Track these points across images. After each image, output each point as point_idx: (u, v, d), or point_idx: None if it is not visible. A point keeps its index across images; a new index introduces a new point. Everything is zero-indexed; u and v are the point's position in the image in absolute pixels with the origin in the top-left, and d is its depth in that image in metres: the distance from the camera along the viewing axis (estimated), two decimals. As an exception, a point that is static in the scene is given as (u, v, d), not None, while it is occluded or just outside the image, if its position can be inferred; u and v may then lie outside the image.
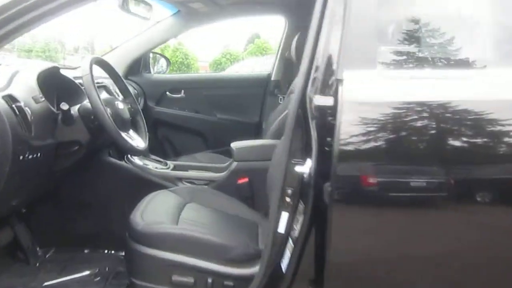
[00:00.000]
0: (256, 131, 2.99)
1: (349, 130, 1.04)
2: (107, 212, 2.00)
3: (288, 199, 1.20)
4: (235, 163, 2.05)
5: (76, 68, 2.19)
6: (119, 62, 2.73)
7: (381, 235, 1.10)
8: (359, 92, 1.09)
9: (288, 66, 2.90)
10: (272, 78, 2.98)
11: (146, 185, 2.00)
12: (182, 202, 1.70)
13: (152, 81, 3.00)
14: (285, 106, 2.55)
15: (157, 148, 2.96)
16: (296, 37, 2.35)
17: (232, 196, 1.91)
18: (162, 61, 3.26)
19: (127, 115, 1.71)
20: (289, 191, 1.21)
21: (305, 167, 1.13)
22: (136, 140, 1.72)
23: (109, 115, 1.52)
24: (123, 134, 1.61)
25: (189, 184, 2.08)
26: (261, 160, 2.01)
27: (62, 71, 1.76)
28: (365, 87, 1.10)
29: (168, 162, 2.23)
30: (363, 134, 1.04)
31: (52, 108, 1.53)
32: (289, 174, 1.19)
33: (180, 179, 2.08)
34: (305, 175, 1.13)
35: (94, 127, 1.58)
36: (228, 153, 2.77)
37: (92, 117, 1.56)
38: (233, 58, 14.79)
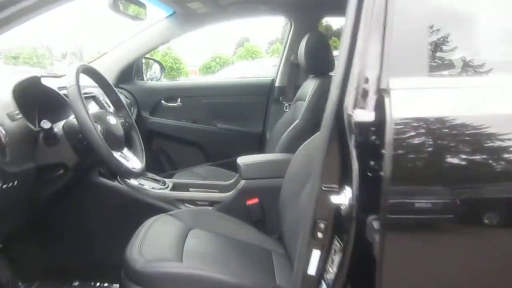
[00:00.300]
0: (259, 142, 2.77)
1: (403, 150, 0.84)
2: (98, 240, 1.76)
3: (320, 235, 1.00)
4: (243, 182, 1.83)
5: (61, 77, 1.95)
6: (109, 69, 2.52)
7: (448, 278, 0.89)
8: (410, 104, 0.88)
9: (294, 70, 2.70)
10: (276, 84, 2.76)
11: (142, 208, 1.78)
12: (185, 228, 1.51)
13: (145, 89, 2.76)
14: (292, 114, 2.34)
15: (152, 162, 2.73)
16: (306, 39, 2.14)
17: (240, 219, 1.71)
18: (156, 67, 3.02)
19: (120, 131, 1.47)
20: (322, 225, 1.00)
21: (343, 196, 0.93)
22: (132, 160, 1.48)
23: (99, 132, 1.29)
24: (117, 155, 1.38)
25: (191, 206, 1.85)
26: (272, 177, 1.80)
27: (44, 81, 1.51)
28: (417, 97, 0.90)
29: (167, 180, 2.00)
30: (422, 154, 0.85)
31: (31, 126, 1.29)
32: (321, 204, 0.98)
33: (181, 200, 1.85)
34: (342, 206, 0.92)
35: (82, 147, 1.34)
36: (229, 166, 2.58)
37: (79, 135, 1.32)
38: (223, 62, 14.73)
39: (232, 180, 2.00)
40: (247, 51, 16.13)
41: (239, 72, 8.02)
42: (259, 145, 2.76)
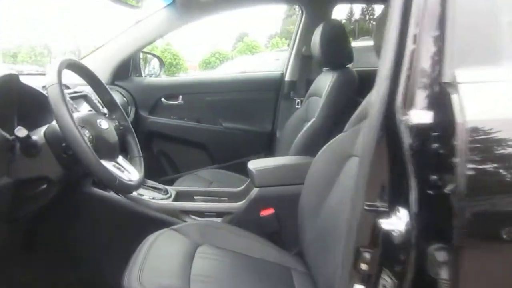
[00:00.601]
0: (269, 142, 2.56)
1: (481, 157, 0.65)
2: (93, 260, 1.55)
3: (364, 267, 0.81)
4: (255, 190, 1.61)
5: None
6: (103, 65, 2.32)
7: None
8: (485, 101, 0.69)
9: (306, 63, 2.48)
10: (286, 79, 2.54)
11: (142, 222, 1.58)
12: (192, 246, 1.31)
13: (144, 86, 2.54)
14: (306, 111, 2.12)
15: (152, 166, 2.52)
16: (321, 28, 1.92)
17: (253, 232, 1.50)
18: (155, 62, 2.80)
19: (113, 137, 1.25)
20: (367, 255, 0.80)
21: (395, 219, 0.73)
22: (128, 171, 1.26)
23: (86, 140, 1.06)
24: (109, 165, 1.16)
25: (198, 218, 1.64)
26: (289, 184, 1.60)
27: (25, 80, 1.30)
28: (492, 92, 0.70)
29: (169, 189, 1.78)
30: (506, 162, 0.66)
31: (5, 134, 1.06)
32: (365, 228, 0.78)
33: (186, 212, 1.64)
34: (395, 232, 0.71)
35: (67, 157, 1.12)
36: (237, 168, 2.38)
37: (63, 144, 1.10)
38: (222, 57, 14.67)
39: (243, 187, 1.79)
40: (247, 46, 16.19)
41: (239, 67, 7.77)
42: (269, 145, 2.55)
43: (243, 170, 2.02)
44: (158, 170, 2.56)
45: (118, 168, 1.21)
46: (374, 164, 0.77)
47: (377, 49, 1.22)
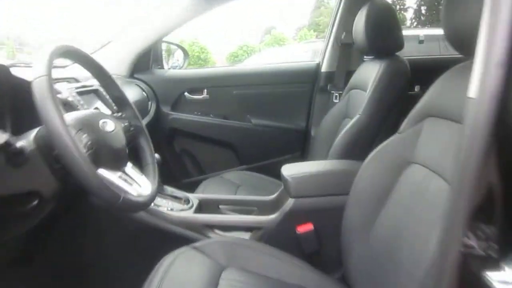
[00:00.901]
0: (302, 141, 2.30)
1: None
2: (100, 283, 1.34)
3: None
4: (291, 201, 1.36)
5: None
6: (121, 56, 2.12)
7: None
8: None
9: (345, 52, 2.20)
10: (323, 70, 2.27)
11: (158, 238, 1.36)
12: (216, 269, 1.11)
13: (166, 79, 2.31)
14: (346, 107, 1.86)
15: (174, 166, 2.31)
16: (365, 11, 1.65)
17: (288, 252, 1.26)
18: (179, 53, 2.57)
19: (120, 141, 1.02)
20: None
21: (509, 274, 0.50)
22: (138, 183, 1.03)
23: (80, 147, 0.82)
24: (113, 177, 0.93)
25: (223, 234, 1.41)
26: (332, 194, 1.35)
27: (17, 72, 1.08)
28: None
29: (190, 197, 1.55)
30: None
31: None
32: (461, 279, 0.56)
33: (209, 226, 1.40)
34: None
35: (61, 167, 0.90)
36: (267, 169, 2.14)
37: (55, 151, 0.88)
38: (250, 50, 14.60)
39: (275, 195, 1.55)
40: (274, 39, 16.16)
41: (267, 59, 7.53)
42: (303, 145, 2.29)
43: (274, 172, 1.82)
44: (180, 171, 2.35)
45: (125, 180, 0.98)
46: (479, 189, 0.53)
47: (450, 34, 0.97)
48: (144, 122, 2.07)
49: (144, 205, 0.99)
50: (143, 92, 2.14)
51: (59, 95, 1.30)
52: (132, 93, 2.03)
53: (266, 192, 1.76)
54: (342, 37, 2.18)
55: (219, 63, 14.65)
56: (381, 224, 1.10)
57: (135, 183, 1.02)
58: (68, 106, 1.28)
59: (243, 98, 2.33)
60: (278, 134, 2.31)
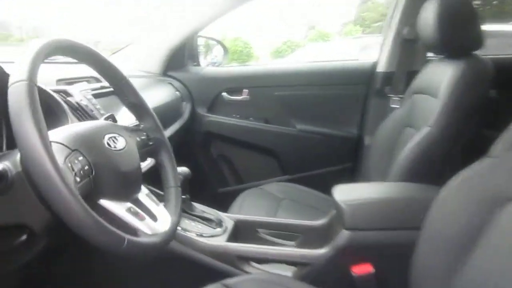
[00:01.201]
0: (354, 150, 2.03)
1: None
2: None
3: None
4: (345, 233, 1.09)
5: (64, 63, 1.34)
6: (153, 52, 1.93)
7: None
8: None
9: (408, 50, 1.90)
10: (380, 70, 1.97)
11: (184, 270, 1.14)
12: None
13: (202, 77, 2.10)
14: (408, 114, 1.57)
15: (210, 173, 2.10)
16: (436, 2, 1.36)
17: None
18: (217, 49, 2.35)
19: (132, 162, 0.78)
20: None
21: None
22: (154, 214, 0.80)
23: (66, 177, 0.58)
24: (119, 210, 0.71)
25: (261, 268, 1.17)
26: (398, 228, 1.08)
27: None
28: None
29: (224, 217, 1.32)
30: None
31: None
32: None
33: (245, 258, 1.17)
34: None
35: None
36: (312, 181, 1.88)
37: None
38: (294, 46, 14.44)
39: (325, 221, 1.29)
40: (319, 34, 16.04)
41: (311, 55, 7.23)
42: (354, 154, 2.02)
43: (320, 184, 1.66)
44: (216, 179, 2.14)
45: (136, 214, 0.76)
46: None
47: None
48: (177, 125, 1.88)
49: (159, 246, 0.76)
50: (176, 92, 1.94)
51: (70, 98, 1.10)
52: (164, 92, 1.83)
53: (312, 210, 1.53)
54: (405, 32, 1.88)
55: (262, 59, 14.51)
56: (471, 273, 0.82)
57: (149, 215, 0.80)
58: (80, 112, 1.08)
59: (287, 100, 2.08)
60: (326, 142, 2.05)
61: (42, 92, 0.94)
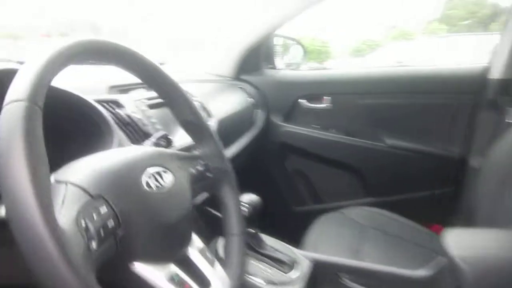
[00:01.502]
0: (456, 173, 1.69)
1: None
2: None
3: None
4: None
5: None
6: (226, 54, 1.75)
7: None
8: None
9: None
10: (493, 76, 1.62)
11: None
12: None
13: (277, 82, 1.87)
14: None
15: (285, 190, 1.89)
16: None
17: None
18: (295, 49, 2.11)
19: (180, 207, 0.58)
20: None
21: None
22: (207, 278, 0.58)
23: (65, 247, 0.39)
24: (157, 277, 0.51)
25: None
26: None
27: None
28: None
29: (299, 256, 1.09)
30: None
31: None
32: None
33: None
34: None
35: None
36: (401, 206, 1.58)
37: None
38: (374, 45, 14.06)
39: (428, 272, 1.02)
40: (400, 32, 15.61)
41: (392, 55, 6.75)
42: (458, 178, 1.68)
43: (412, 211, 1.48)
44: (291, 196, 1.91)
45: (180, 283, 0.54)
46: None
47: None
48: (250, 136, 1.67)
49: None
50: (250, 98, 1.74)
51: (119, 110, 0.91)
52: (235, 99, 1.63)
53: (404, 245, 1.29)
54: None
55: (341, 59, 14.19)
56: None
57: (199, 281, 0.58)
58: (131, 127, 0.89)
59: (375, 109, 1.78)
60: (420, 161, 1.73)
61: (82, 104, 0.76)
